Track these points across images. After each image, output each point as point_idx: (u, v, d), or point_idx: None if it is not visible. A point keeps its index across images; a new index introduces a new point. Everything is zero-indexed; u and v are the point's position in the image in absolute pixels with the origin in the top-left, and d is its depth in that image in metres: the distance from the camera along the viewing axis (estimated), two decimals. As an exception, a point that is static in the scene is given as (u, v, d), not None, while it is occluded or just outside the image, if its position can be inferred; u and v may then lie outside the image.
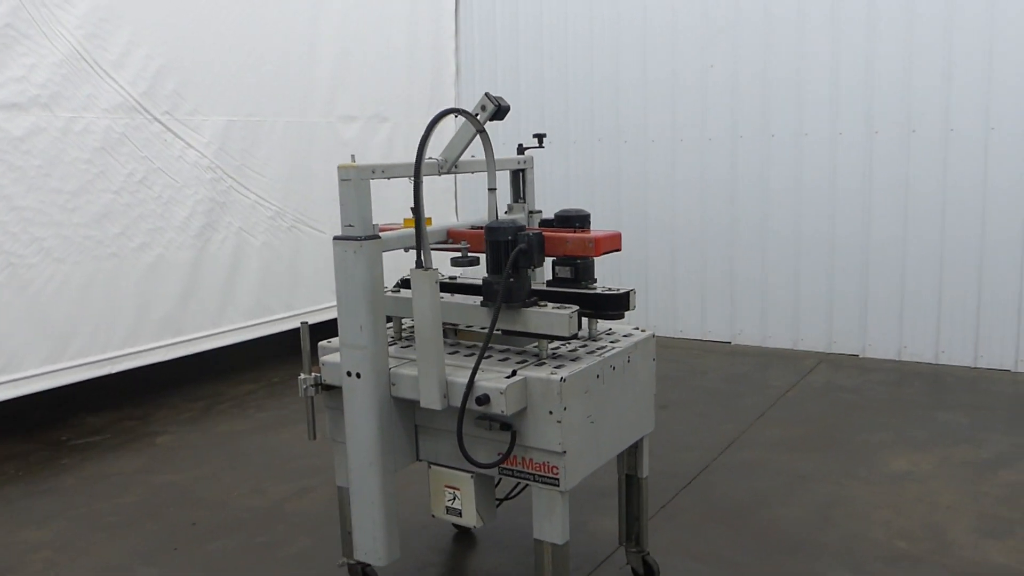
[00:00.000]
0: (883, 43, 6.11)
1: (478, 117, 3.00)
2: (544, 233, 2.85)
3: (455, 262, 3.02)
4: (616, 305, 2.91)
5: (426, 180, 2.76)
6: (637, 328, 3.21)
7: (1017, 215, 5.82)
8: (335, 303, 7.38)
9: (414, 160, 2.70)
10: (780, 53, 6.53)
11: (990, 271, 5.95)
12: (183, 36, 5.77)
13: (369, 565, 3.26)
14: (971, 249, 6.00)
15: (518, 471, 2.74)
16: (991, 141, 5.83)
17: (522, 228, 2.79)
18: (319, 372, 3.03)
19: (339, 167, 2.74)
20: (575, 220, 3.05)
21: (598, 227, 3.08)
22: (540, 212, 3.57)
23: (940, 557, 3.45)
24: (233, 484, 4.42)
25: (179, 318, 5.83)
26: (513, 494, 3.32)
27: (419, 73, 7.75)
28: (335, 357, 2.96)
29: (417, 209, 2.67)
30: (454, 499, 2.93)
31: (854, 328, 6.55)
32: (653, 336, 3.20)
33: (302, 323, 3.05)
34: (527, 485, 3.00)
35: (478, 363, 2.63)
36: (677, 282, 7.23)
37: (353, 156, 2.89)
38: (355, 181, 2.71)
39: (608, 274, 7.05)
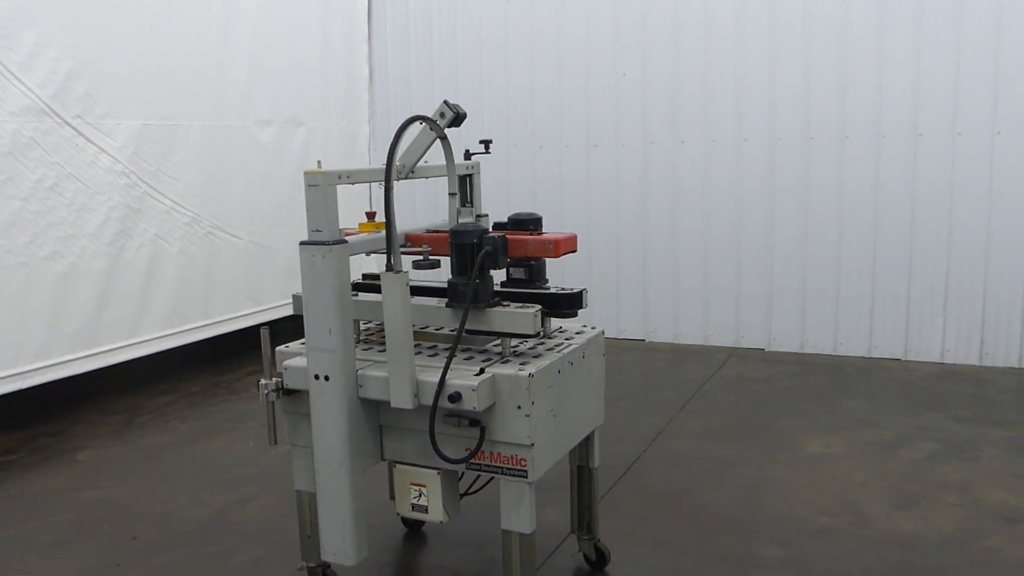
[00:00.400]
0: (785, 52, 6.53)
1: (438, 123, 3.08)
2: (507, 236, 2.96)
3: (416, 265, 3.09)
4: (570, 304, 3.05)
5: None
6: (585, 326, 3.38)
7: (901, 214, 6.33)
8: (254, 310, 7.22)
9: (384, 165, 2.77)
10: (689, 61, 6.86)
11: (883, 267, 6.45)
12: (94, 38, 5.57)
13: (328, 566, 3.30)
14: (866, 247, 6.48)
15: (486, 465, 2.85)
16: (882, 147, 6.33)
17: (486, 231, 2.90)
18: (279, 376, 3.04)
19: (306, 173, 2.78)
20: (528, 223, 3.18)
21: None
22: (487, 216, 3.69)
23: (858, 529, 3.76)
24: (169, 496, 4.32)
25: (93, 329, 5.63)
26: (474, 489, 3.42)
27: (333, 78, 7.73)
28: (299, 361, 2.99)
29: (388, 213, 2.74)
30: (420, 496, 3.01)
31: (760, 323, 6.95)
32: (602, 333, 3.37)
33: (262, 327, 3.05)
34: (490, 480, 3.12)
35: (449, 362, 2.72)
36: (593, 283, 7.47)
37: (320, 162, 2.93)
38: (323, 187, 2.76)
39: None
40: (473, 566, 3.56)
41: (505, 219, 3.19)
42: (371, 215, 3.39)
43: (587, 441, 3.36)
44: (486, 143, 3.67)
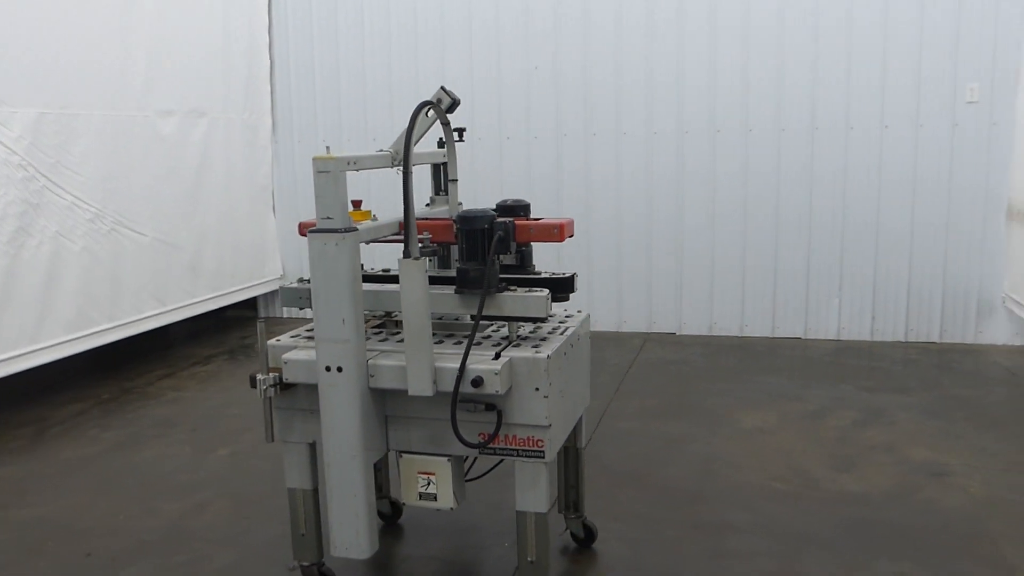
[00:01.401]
0: (692, 48, 6.85)
1: (434, 109, 3.07)
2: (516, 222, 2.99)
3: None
4: (564, 288, 3.12)
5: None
6: (566, 310, 3.45)
7: (799, 202, 6.80)
8: (160, 310, 6.86)
9: (383, 151, 2.74)
10: (599, 55, 7.07)
11: (784, 253, 6.91)
12: (-14, 19, 5.12)
13: (323, 564, 3.23)
14: (768, 234, 6.92)
15: (501, 448, 2.88)
16: (782, 139, 6.77)
17: (495, 217, 2.92)
18: (277, 372, 2.94)
19: (315, 159, 2.71)
20: (519, 209, 3.22)
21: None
22: (461, 204, 3.69)
23: (810, 492, 4.05)
24: (113, 509, 4.06)
25: (-8, 336, 5.18)
26: (479, 474, 3.39)
27: (235, 67, 7.41)
28: (300, 354, 2.91)
29: (407, 199, 2.71)
30: (428, 484, 2.99)
31: (671, 309, 7.27)
32: (588, 316, 3.47)
33: (259, 320, 2.94)
34: (497, 464, 3.16)
35: (468, 348, 2.73)
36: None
37: (328, 147, 2.85)
38: (334, 173, 2.70)
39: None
40: (464, 553, 3.57)
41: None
42: (357, 203, 3.33)
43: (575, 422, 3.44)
44: (460, 131, 3.68)
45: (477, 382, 2.71)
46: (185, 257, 6.88)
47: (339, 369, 2.76)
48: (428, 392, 2.75)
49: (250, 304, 8.20)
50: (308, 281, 3.30)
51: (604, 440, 4.78)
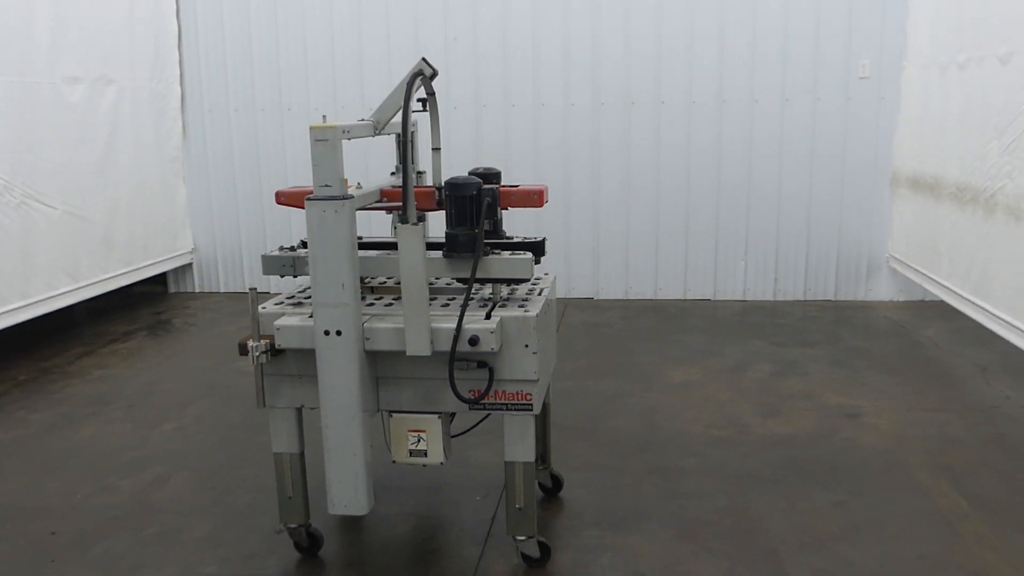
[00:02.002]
0: (609, 22, 7.10)
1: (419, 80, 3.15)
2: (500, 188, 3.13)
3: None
4: (535, 251, 3.29)
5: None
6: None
7: (710, 171, 7.21)
8: (73, 287, 6.62)
9: (383, 120, 2.82)
10: (518, 27, 7.21)
11: (694, 219, 7.32)
12: None
13: (310, 525, 3.31)
14: (679, 200, 7.30)
15: (490, 403, 3.04)
16: (693, 111, 7.14)
17: (481, 184, 3.05)
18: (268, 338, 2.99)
19: (313, 127, 2.76)
20: (492, 177, 3.36)
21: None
22: (424, 173, 3.80)
23: (744, 436, 4.42)
24: (65, 489, 3.96)
25: (-100, 317, 4.88)
26: (458, 432, 3.51)
27: (140, 33, 7.11)
28: (294, 320, 2.97)
29: (405, 167, 2.81)
30: (419, 442, 3.12)
31: (588, 275, 7.57)
32: (555, 278, 3.66)
33: (251, 289, 2.98)
34: (481, 420, 3.33)
35: (464, 308, 2.87)
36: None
37: (324, 116, 2.90)
38: (332, 141, 2.76)
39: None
40: (441, 509, 3.72)
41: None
42: (334, 172, 3.38)
43: (543, 378, 3.64)
44: (423, 101, 3.76)
45: (474, 340, 2.86)
46: (97, 231, 6.62)
47: (338, 333, 2.84)
48: (426, 352, 2.88)
49: (159, 280, 7.94)
50: (290, 248, 3.36)
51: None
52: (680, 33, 7.04)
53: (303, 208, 3.25)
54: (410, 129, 2.85)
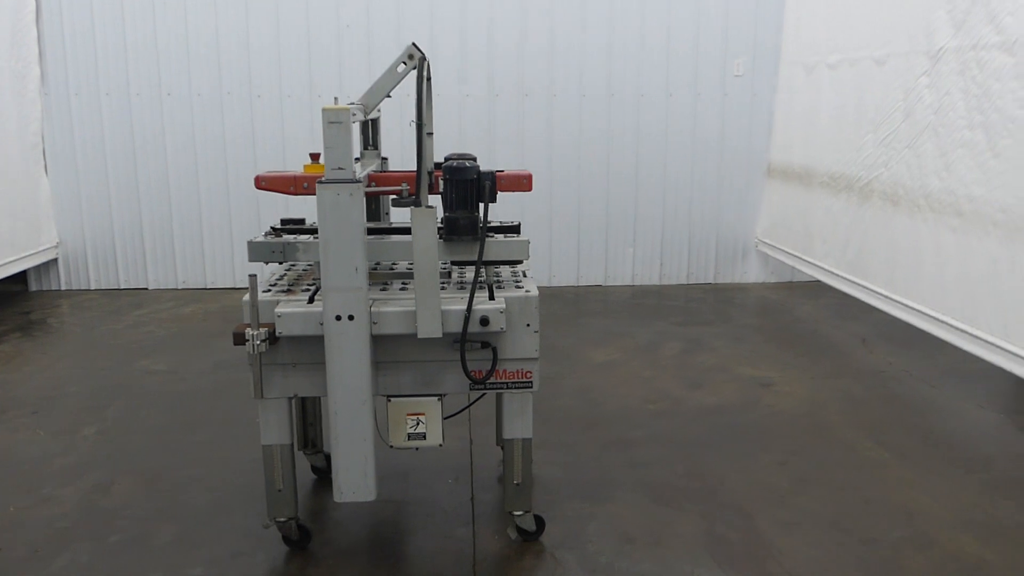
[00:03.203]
0: (503, 14, 7.23)
1: (405, 65, 3.14)
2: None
3: (396, 203, 3.18)
4: (513, 233, 3.39)
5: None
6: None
7: (600, 161, 7.53)
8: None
9: (371, 104, 2.82)
10: (416, 15, 7.21)
11: (586, 208, 7.61)
12: None
13: (297, 519, 3.24)
14: (571, 189, 7.57)
15: (491, 383, 3.11)
16: (584, 104, 7.42)
17: (479, 168, 3.09)
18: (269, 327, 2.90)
19: (326, 109, 2.71)
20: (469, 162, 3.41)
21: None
22: (387, 159, 3.78)
23: (679, 408, 4.72)
24: (-7, 502, 3.63)
25: None
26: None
27: (-1, 8, 6.49)
28: (296, 307, 2.90)
29: (420, 151, 2.81)
30: (417, 425, 3.13)
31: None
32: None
33: (251, 275, 2.87)
34: (475, 401, 3.38)
35: (473, 290, 2.92)
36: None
37: (336, 98, 2.83)
38: (345, 124, 2.72)
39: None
40: (416, 492, 3.72)
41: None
42: (316, 156, 3.32)
43: (514, 360, 3.73)
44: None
45: (484, 321, 2.92)
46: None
47: (350, 318, 2.80)
48: (437, 334, 2.90)
49: (18, 278, 7.26)
50: (276, 233, 3.25)
51: (484, 383, 5.09)
52: (573, 28, 7.29)
53: (286, 193, 3.22)
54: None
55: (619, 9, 7.29)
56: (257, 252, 3.13)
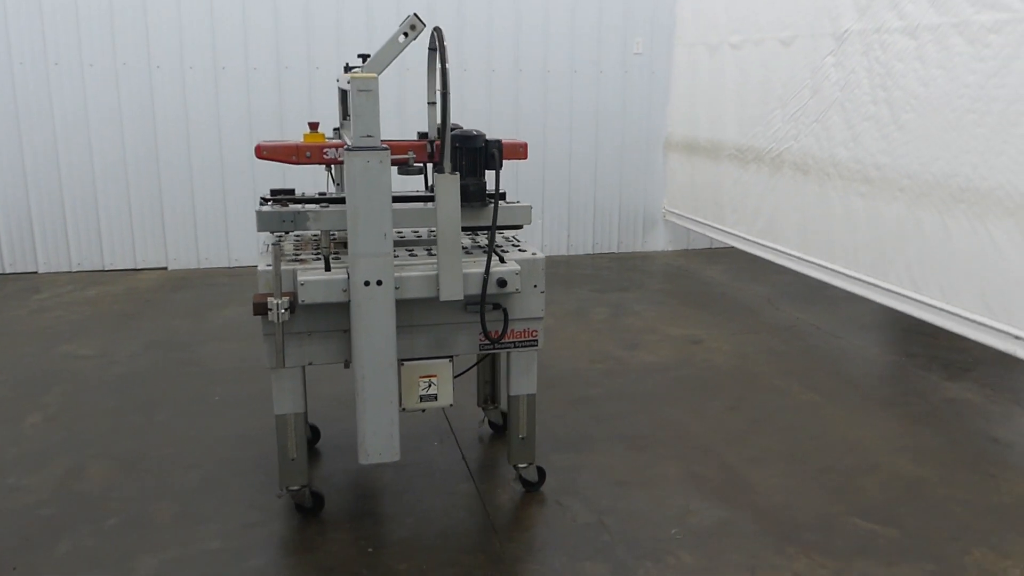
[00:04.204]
0: None
1: (408, 35, 3.20)
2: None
3: (402, 171, 3.24)
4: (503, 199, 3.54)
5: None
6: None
7: (536, 135, 7.70)
8: None
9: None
10: (322, -8, 7.09)
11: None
12: None
13: (310, 487, 3.28)
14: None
15: (499, 343, 3.26)
16: (494, 79, 7.57)
17: (485, 136, 3.21)
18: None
19: (355, 77, 2.76)
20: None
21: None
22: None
23: (624, 366, 5.03)
24: (-43, 495, 3.41)
25: None
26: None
27: None
28: (319, 275, 2.93)
29: (444, 118, 2.90)
30: (429, 386, 3.24)
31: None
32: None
33: (273, 244, 2.88)
34: (476, 364, 3.52)
35: (490, 254, 3.06)
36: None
37: (360, 68, 2.86)
38: (374, 92, 2.77)
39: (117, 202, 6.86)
40: (406, 456, 3.80)
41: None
42: (314, 125, 3.34)
43: (495, 324, 3.89)
44: (364, 57, 3.77)
45: (502, 283, 3.07)
46: None
47: (379, 283, 2.88)
48: (459, 296, 3.02)
49: None
50: (277, 202, 3.23)
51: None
52: (480, 6, 7.41)
53: (288, 162, 3.23)
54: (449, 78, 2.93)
55: (527, -12, 7.49)
56: (267, 221, 3.12)
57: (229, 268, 7.40)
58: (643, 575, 2.93)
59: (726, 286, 7.04)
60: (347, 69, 3.73)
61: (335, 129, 3.81)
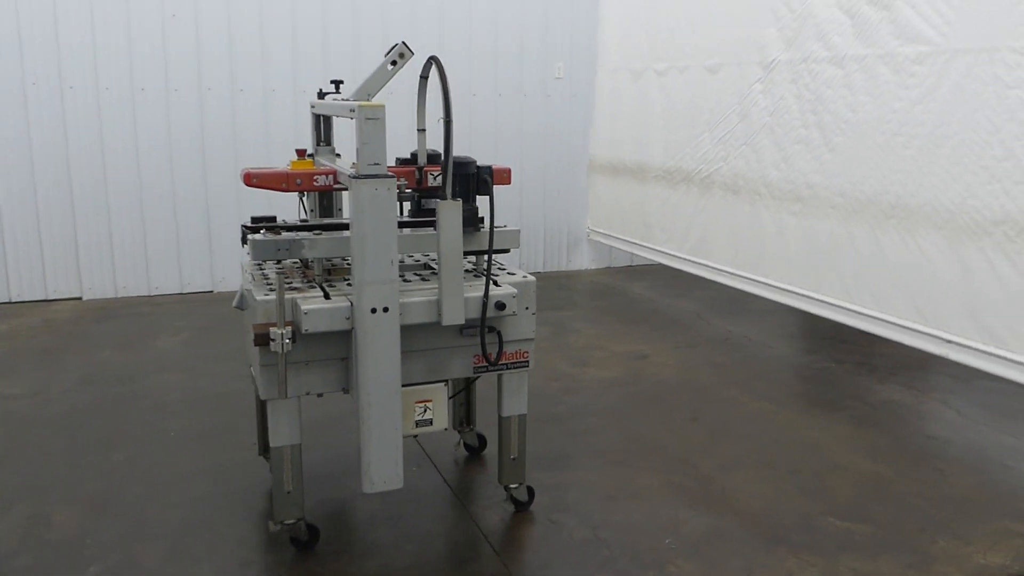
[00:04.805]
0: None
1: (396, 64, 3.23)
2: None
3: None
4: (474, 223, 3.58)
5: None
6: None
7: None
8: None
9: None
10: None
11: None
12: None
13: (304, 520, 3.21)
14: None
15: (492, 365, 3.30)
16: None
17: (476, 162, 3.26)
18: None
19: (362, 106, 2.76)
20: (436, 158, 3.55)
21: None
22: (340, 155, 3.79)
23: (579, 383, 5.13)
24: (-91, 552, 3.15)
25: None
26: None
27: None
28: (322, 303, 2.90)
29: (447, 146, 2.93)
30: (425, 411, 3.24)
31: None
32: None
33: (277, 271, 2.82)
34: (464, 388, 3.55)
35: (488, 280, 3.11)
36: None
37: (369, 95, 2.85)
38: (381, 120, 2.78)
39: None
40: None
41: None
42: (302, 152, 3.31)
43: (472, 346, 3.93)
44: (337, 84, 3.76)
45: (501, 306, 3.12)
46: None
47: (385, 310, 2.87)
48: (460, 320, 3.05)
49: None
50: (267, 230, 3.16)
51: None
52: (403, 29, 7.45)
53: (278, 190, 3.20)
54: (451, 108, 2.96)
55: (448, 16, 7.57)
56: (262, 250, 3.06)
57: (149, 297, 7.10)
58: (650, 585, 3.03)
59: (656, 302, 7.29)
60: (321, 95, 3.73)
61: (308, 154, 3.76)
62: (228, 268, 7.20)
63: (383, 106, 2.80)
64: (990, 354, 4.11)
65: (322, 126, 3.72)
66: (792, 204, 5.37)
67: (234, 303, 3.61)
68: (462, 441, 4.11)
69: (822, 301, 5.16)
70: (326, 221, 3.43)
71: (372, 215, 2.81)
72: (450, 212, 2.97)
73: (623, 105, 7.46)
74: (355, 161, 2.85)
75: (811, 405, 4.82)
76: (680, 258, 6.70)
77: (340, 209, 3.83)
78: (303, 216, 3.76)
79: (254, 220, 3.38)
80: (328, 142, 3.73)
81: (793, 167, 5.34)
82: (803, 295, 5.32)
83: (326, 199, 3.71)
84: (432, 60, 3.04)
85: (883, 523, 3.46)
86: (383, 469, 3.00)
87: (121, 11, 6.63)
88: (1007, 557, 3.21)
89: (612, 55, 7.65)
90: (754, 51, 5.64)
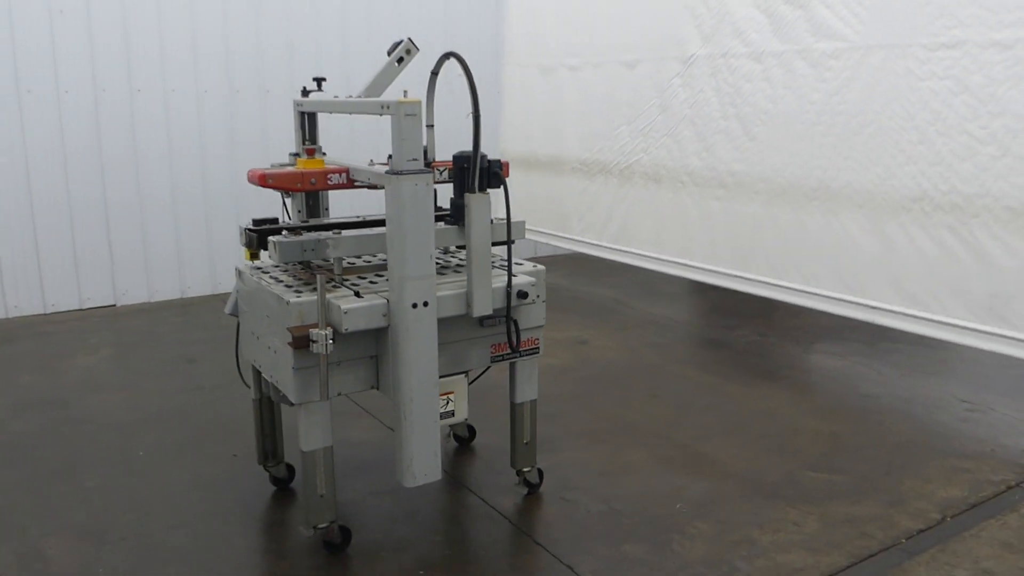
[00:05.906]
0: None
1: (403, 60, 3.25)
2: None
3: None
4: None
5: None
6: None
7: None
8: None
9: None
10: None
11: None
12: None
13: (336, 521, 3.19)
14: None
15: (506, 354, 3.40)
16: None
17: (486, 156, 3.32)
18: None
19: (401, 102, 2.78)
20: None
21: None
22: (325, 154, 3.76)
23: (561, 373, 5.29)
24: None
25: None
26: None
27: None
28: (360, 302, 2.90)
29: (476, 139, 3.00)
30: (447, 403, 3.30)
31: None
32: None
33: (319, 275, 2.80)
34: (481, 373, 3.63)
35: (510, 269, 3.21)
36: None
37: (405, 92, 2.85)
38: (418, 116, 2.82)
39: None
40: (389, 481, 3.76)
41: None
42: (311, 151, 3.27)
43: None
44: (319, 81, 3.72)
45: (523, 294, 3.22)
46: None
47: (425, 304, 2.91)
48: (489, 311, 3.13)
49: None
50: (292, 232, 3.12)
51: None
52: (309, 33, 7.32)
53: (293, 190, 3.18)
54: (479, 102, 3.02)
55: (352, 14, 7.50)
56: (288, 251, 3.02)
57: (45, 315, 6.60)
58: (678, 546, 3.23)
59: (574, 290, 7.55)
60: (305, 93, 3.69)
61: (292, 154, 3.69)
62: (133, 281, 6.83)
63: (420, 102, 2.84)
64: (914, 316, 4.62)
65: (307, 125, 3.67)
66: (716, 190, 5.75)
67: (227, 309, 3.53)
68: (452, 432, 4.17)
69: (750, 279, 5.57)
70: (326, 221, 3.41)
71: (413, 211, 2.84)
72: (479, 205, 3.05)
73: (534, 100, 7.64)
74: (381, 160, 2.87)
75: (754, 376, 5.21)
76: (600, 246, 6.98)
77: (327, 208, 3.81)
78: (285, 218, 3.70)
79: (256, 222, 3.31)
80: (313, 140, 3.69)
81: (715, 156, 5.72)
82: (731, 275, 5.71)
83: (312, 199, 3.68)
84: (451, 55, 3.09)
85: (854, 472, 3.84)
86: (424, 462, 3.04)
87: (117, 11, 6.15)
88: (963, 490, 3.67)
89: (521, 51, 7.81)
90: (672, 47, 5.98)
